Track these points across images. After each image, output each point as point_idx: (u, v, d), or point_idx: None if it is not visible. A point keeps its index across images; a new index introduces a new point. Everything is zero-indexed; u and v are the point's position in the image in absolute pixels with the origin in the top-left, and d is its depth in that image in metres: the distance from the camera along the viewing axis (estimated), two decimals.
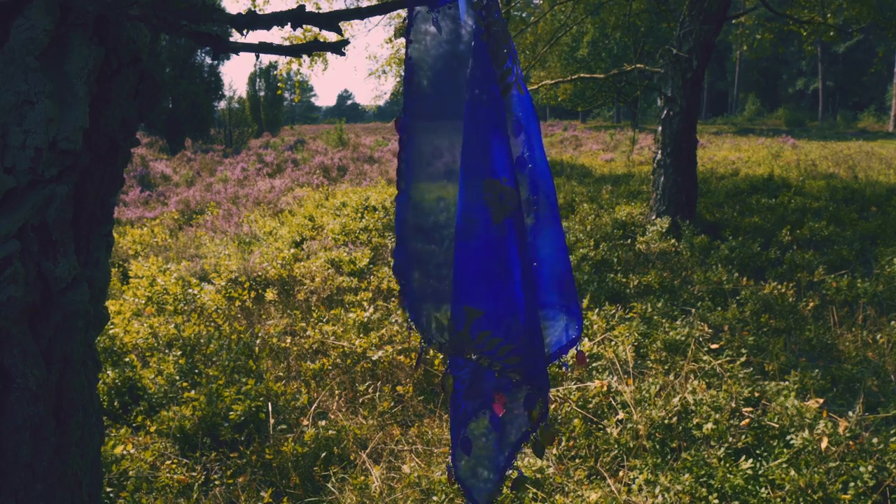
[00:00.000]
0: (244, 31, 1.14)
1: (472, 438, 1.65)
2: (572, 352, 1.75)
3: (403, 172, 1.43)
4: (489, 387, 1.58)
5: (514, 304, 1.40)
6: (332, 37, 11.37)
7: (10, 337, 1.19)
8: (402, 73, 1.35)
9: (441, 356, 4.27)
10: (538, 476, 3.03)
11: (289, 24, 1.12)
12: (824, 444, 3.01)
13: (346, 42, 1.22)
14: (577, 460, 3.30)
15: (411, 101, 1.39)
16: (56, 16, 1.05)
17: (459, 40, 1.34)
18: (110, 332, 4.55)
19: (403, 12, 1.36)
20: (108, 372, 3.94)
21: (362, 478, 3.03)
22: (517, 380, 1.47)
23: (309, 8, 9.52)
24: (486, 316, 1.38)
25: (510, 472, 1.71)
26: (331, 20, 1.15)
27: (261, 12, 1.20)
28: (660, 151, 8.11)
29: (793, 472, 2.88)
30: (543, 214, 1.58)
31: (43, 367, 1.26)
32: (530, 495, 2.93)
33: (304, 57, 9.98)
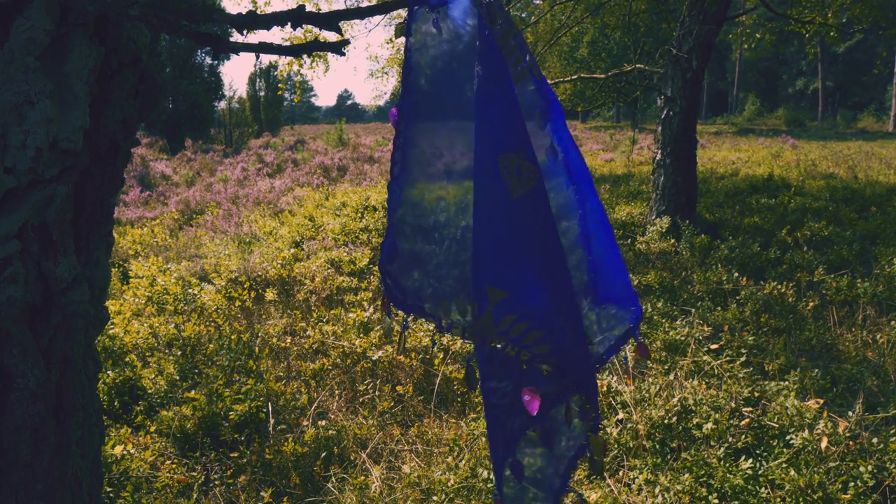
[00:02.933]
0: (244, 32, 1.14)
1: (522, 458, 1.50)
2: (631, 344, 1.60)
3: (398, 172, 1.40)
4: (515, 373, 1.43)
5: (543, 286, 1.30)
6: (332, 37, 11.38)
7: (11, 337, 1.19)
8: (401, 73, 1.34)
9: (441, 355, 4.27)
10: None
11: (289, 24, 1.12)
12: (824, 444, 3.01)
13: (346, 42, 1.22)
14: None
15: (410, 101, 1.37)
16: (56, 16, 1.05)
17: (460, 40, 1.33)
18: (110, 332, 4.55)
19: (404, 12, 1.35)
20: (109, 372, 3.94)
21: (362, 478, 3.03)
22: (549, 371, 1.36)
23: (309, 8, 9.52)
24: (511, 298, 1.28)
25: (567, 494, 1.54)
26: (331, 20, 1.15)
27: (261, 13, 1.20)
28: (659, 151, 8.11)
29: (793, 472, 2.88)
30: (589, 204, 1.50)
31: (43, 367, 1.26)
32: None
33: (305, 58, 9.99)
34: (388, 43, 13.37)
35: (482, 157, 1.29)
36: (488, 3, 1.27)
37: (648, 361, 4.26)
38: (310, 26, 1.38)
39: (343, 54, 1.27)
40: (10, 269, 1.12)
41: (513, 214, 1.30)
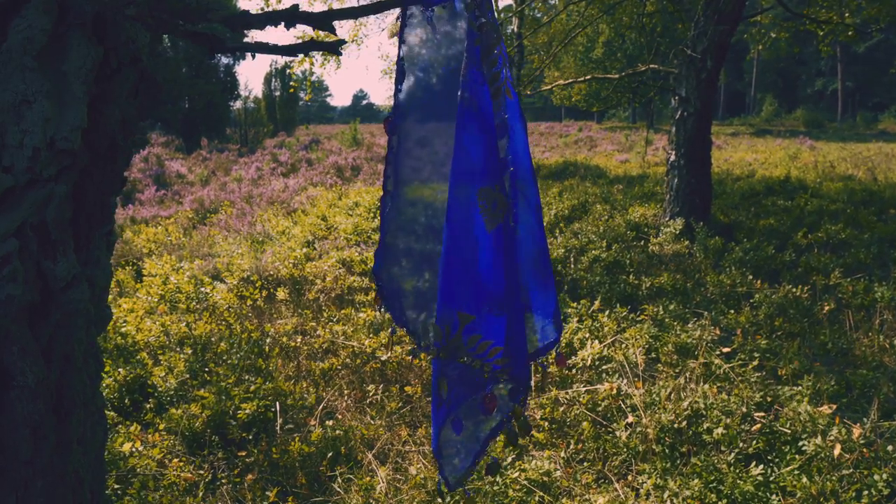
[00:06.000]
0: (239, 31, 1.14)
1: (462, 420, 1.64)
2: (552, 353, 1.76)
3: (392, 174, 1.43)
4: (478, 386, 1.57)
5: (503, 308, 1.40)
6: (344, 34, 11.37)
7: (10, 335, 1.19)
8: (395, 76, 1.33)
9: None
10: (545, 479, 3.00)
11: (283, 23, 1.12)
12: (837, 451, 2.96)
13: (342, 42, 1.22)
14: (585, 464, 3.27)
15: (407, 103, 1.37)
16: (54, 15, 1.05)
17: (454, 41, 1.33)
18: (123, 329, 4.59)
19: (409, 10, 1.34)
20: (120, 369, 3.97)
21: (368, 478, 3.02)
22: (505, 379, 1.48)
23: (319, 9, 9.54)
24: (478, 321, 1.39)
25: (484, 457, 1.72)
26: (324, 20, 1.14)
27: (262, 11, 1.20)
28: (673, 152, 8.04)
29: (805, 479, 2.83)
30: (524, 218, 1.57)
31: (42, 365, 1.27)
32: (536, 498, 2.91)
33: (317, 56, 10.02)
34: (396, 40, 13.39)
35: (461, 189, 1.36)
36: (479, 5, 1.27)
37: (659, 365, 4.22)
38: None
39: (340, 53, 1.26)
40: (9, 268, 1.12)
41: (485, 247, 1.38)
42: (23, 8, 1.02)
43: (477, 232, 1.36)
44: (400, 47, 1.32)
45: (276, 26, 1.10)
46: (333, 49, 1.22)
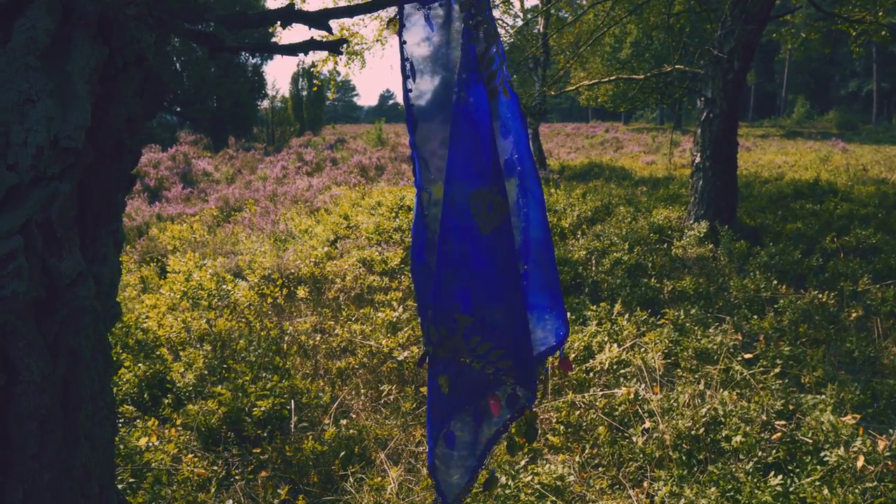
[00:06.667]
0: (236, 30, 1.14)
1: (455, 432, 1.64)
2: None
3: (417, 173, 1.44)
4: (481, 387, 1.56)
5: (504, 311, 1.39)
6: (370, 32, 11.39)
7: (16, 331, 1.21)
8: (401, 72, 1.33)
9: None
10: (558, 484, 2.97)
11: (279, 22, 1.12)
12: (860, 463, 2.88)
13: (342, 42, 1.21)
14: (599, 469, 3.23)
15: (413, 104, 1.37)
16: (57, 16, 1.06)
17: (452, 40, 1.32)
18: (144, 325, 4.66)
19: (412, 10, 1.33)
20: (140, 364, 4.03)
21: (379, 479, 3.02)
22: (511, 382, 1.48)
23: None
24: (478, 323, 1.39)
25: (482, 471, 1.71)
26: (321, 18, 1.14)
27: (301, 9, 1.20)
28: (699, 154, 7.92)
29: (825, 491, 2.76)
30: (533, 218, 1.57)
31: (48, 361, 1.28)
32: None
33: (341, 56, 10.07)
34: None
35: (456, 190, 1.34)
36: (475, 3, 1.25)
37: (678, 370, 4.15)
38: (342, 21, 1.36)
39: (340, 53, 1.26)
40: (14, 265, 1.14)
41: (481, 251, 1.37)
42: (27, 8, 1.04)
43: (472, 236, 1.34)
44: (401, 48, 1.32)
45: (272, 26, 1.10)
46: (334, 49, 1.21)
